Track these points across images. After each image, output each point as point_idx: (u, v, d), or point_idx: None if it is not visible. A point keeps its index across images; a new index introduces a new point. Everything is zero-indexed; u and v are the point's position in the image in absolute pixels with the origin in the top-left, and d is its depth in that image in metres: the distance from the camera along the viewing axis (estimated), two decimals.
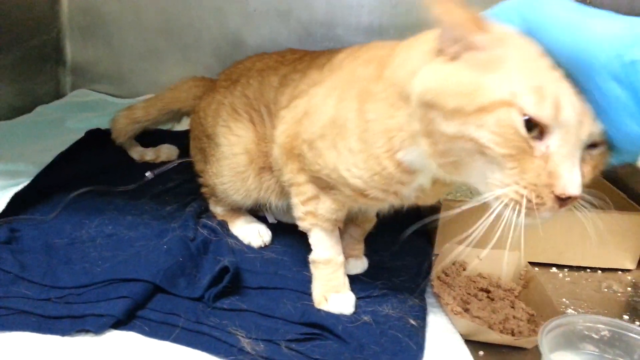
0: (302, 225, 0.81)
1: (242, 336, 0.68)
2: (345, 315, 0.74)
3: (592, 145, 0.54)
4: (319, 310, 0.75)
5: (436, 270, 0.86)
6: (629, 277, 0.98)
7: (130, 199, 1.04)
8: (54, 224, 0.92)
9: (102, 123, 1.35)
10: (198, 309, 0.74)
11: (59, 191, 1.03)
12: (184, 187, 1.10)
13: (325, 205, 0.77)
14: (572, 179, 0.51)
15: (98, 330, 0.68)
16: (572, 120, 0.50)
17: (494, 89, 0.51)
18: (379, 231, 0.93)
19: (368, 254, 0.90)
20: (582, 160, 0.53)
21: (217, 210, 1.00)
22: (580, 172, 0.52)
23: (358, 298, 0.79)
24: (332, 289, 0.77)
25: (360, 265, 0.87)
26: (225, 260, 0.79)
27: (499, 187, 0.54)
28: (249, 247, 0.92)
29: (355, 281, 0.83)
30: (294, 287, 0.80)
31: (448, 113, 0.53)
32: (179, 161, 1.17)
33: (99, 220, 0.94)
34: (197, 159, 1.02)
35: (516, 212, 0.53)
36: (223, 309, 0.74)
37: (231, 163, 0.90)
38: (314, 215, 0.79)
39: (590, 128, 0.51)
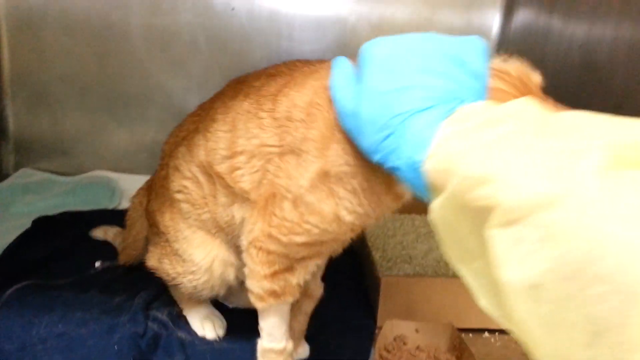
0: (260, 305, 0.75)
1: None
2: None
3: None
4: None
5: (378, 347, 0.91)
6: None
7: (79, 292, 1.04)
8: (2, 324, 0.91)
9: (47, 206, 1.35)
10: None
11: (7, 286, 1.02)
12: (133, 273, 1.09)
13: (307, 269, 0.73)
14: None
15: None
16: None
17: None
18: (319, 310, 0.92)
19: (309, 334, 0.91)
20: None
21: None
22: None
23: None
24: None
25: (303, 351, 0.90)
26: (175, 359, 0.82)
27: None
28: (200, 338, 0.94)
29: None
30: None
31: None
32: None
33: (49, 318, 0.94)
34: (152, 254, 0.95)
35: None
36: None
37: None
38: (277, 297, 0.73)
39: None
